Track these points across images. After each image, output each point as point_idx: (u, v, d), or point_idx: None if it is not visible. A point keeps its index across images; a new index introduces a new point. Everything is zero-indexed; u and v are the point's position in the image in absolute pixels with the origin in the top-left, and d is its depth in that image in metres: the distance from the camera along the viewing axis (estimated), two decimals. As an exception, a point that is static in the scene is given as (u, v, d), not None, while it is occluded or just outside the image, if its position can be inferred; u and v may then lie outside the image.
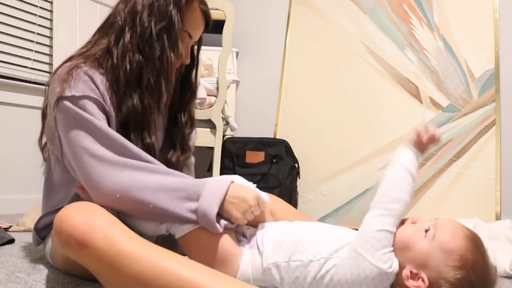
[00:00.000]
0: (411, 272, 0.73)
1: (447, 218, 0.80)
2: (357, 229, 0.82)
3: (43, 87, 2.34)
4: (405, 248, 0.74)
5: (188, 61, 1.04)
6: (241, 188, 0.89)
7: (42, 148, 1.08)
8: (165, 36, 0.95)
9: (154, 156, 0.93)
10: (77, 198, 0.94)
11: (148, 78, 0.94)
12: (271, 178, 2.09)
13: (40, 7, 2.15)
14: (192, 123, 1.14)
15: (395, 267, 0.74)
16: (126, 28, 0.96)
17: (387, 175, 0.85)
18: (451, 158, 2.02)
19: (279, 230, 0.88)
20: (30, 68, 2.12)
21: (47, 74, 2.19)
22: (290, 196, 2.09)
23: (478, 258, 0.72)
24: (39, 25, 2.14)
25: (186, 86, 1.12)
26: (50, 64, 2.19)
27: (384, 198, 0.81)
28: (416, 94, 2.14)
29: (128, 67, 0.93)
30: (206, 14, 1.03)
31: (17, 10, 2.07)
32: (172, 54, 0.95)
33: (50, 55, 2.18)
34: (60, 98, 0.91)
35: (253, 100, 2.61)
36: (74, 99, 0.90)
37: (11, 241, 1.29)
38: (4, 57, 2.02)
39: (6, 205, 2.00)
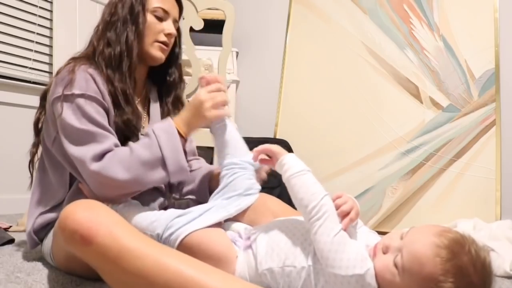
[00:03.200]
0: None
1: (416, 229, 0.72)
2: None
3: (43, 87, 2.34)
4: (388, 285, 0.70)
5: (174, 32, 1.10)
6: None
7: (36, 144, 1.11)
8: (128, 20, 1.04)
9: (134, 130, 1.01)
10: (74, 196, 0.94)
11: (115, 58, 1.02)
12: (271, 178, 2.09)
13: (40, 7, 2.15)
14: (181, 78, 1.21)
15: (368, 266, 0.71)
16: (99, 26, 1.08)
17: (298, 190, 0.86)
18: (451, 158, 2.02)
19: (272, 231, 0.87)
20: (30, 68, 2.12)
21: (47, 74, 2.19)
22: (290, 196, 2.08)
23: (461, 261, 0.66)
24: (39, 25, 2.14)
25: (171, 73, 1.19)
26: (50, 64, 2.19)
27: (310, 211, 0.79)
28: (416, 94, 2.14)
29: (101, 60, 1.02)
30: None
31: (17, 10, 2.07)
32: (132, 31, 1.03)
33: (50, 55, 2.18)
34: (58, 97, 0.96)
35: (253, 100, 2.61)
36: (72, 97, 0.95)
37: (11, 241, 1.29)
38: (4, 57, 2.02)
39: (6, 205, 2.00)
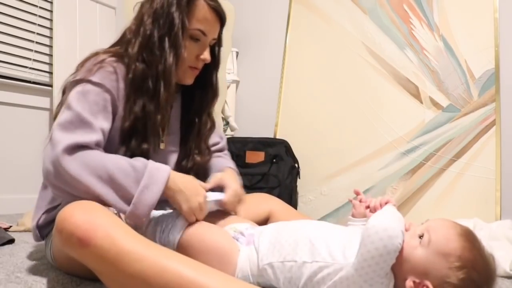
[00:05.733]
0: (414, 282, 0.72)
1: (438, 218, 0.79)
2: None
3: (43, 87, 2.36)
4: (403, 260, 0.73)
5: (209, 59, 1.04)
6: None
7: None
8: (166, 39, 0.96)
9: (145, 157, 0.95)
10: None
11: (148, 84, 0.96)
12: (271, 178, 2.09)
13: (40, 7, 2.15)
14: (213, 124, 1.14)
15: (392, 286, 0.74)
16: (133, 40, 0.99)
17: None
18: (451, 158, 2.02)
19: (275, 230, 0.88)
20: (30, 68, 2.12)
21: (47, 74, 2.19)
22: (290, 196, 2.09)
23: (476, 254, 0.72)
24: (39, 25, 2.15)
25: (206, 87, 1.11)
26: (50, 64, 2.19)
27: None
28: (416, 94, 2.14)
29: (131, 76, 0.96)
30: (216, 9, 1.02)
31: (17, 10, 2.07)
32: (171, 55, 0.96)
33: (50, 55, 2.19)
34: (75, 80, 0.94)
35: (253, 100, 2.61)
36: (86, 82, 0.92)
37: (11, 241, 1.29)
38: (4, 57, 2.02)
39: (6, 205, 2.00)
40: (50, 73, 2.18)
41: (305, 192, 2.27)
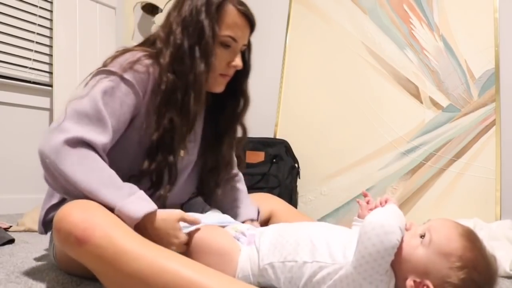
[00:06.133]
0: (414, 281, 0.72)
1: (439, 218, 0.79)
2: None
3: (43, 87, 2.36)
4: (404, 259, 0.73)
5: (240, 66, 1.01)
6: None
7: None
8: (196, 48, 0.93)
9: (175, 174, 0.94)
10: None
11: (177, 96, 0.93)
12: (271, 178, 2.09)
13: (40, 7, 2.15)
14: (245, 133, 1.11)
15: (392, 286, 0.74)
16: (164, 50, 0.95)
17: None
18: (451, 158, 2.02)
19: (276, 230, 0.88)
20: (30, 68, 2.12)
21: (47, 74, 2.19)
22: (290, 196, 2.09)
23: (477, 255, 0.72)
24: (39, 25, 2.15)
25: (238, 95, 1.09)
26: (50, 64, 2.19)
27: None
28: (416, 94, 2.14)
29: (163, 87, 0.92)
30: (245, 14, 1.00)
31: (17, 10, 2.07)
32: (202, 65, 0.93)
33: (50, 55, 2.19)
34: (106, 70, 0.91)
35: (253, 100, 2.60)
36: (120, 78, 0.89)
37: (11, 241, 1.29)
38: (4, 57, 2.02)
39: (6, 205, 2.00)
40: (50, 73, 2.18)
41: (305, 192, 2.27)
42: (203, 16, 0.94)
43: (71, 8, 2.21)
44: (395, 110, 2.16)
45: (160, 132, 0.92)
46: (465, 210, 1.94)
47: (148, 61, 0.93)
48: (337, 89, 2.30)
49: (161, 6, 2.40)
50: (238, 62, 1.00)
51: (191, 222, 0.88)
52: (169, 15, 1.00)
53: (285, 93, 2.42)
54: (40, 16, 2.14)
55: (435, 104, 2.10)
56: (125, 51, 0.96)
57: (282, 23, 2.49)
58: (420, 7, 2.19)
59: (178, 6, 0.99)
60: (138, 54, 0.94)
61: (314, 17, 2.41)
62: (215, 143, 1.10)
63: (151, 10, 2.63)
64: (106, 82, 0.89)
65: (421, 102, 2.12)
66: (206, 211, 1.07)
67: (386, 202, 0.87)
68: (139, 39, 2.70)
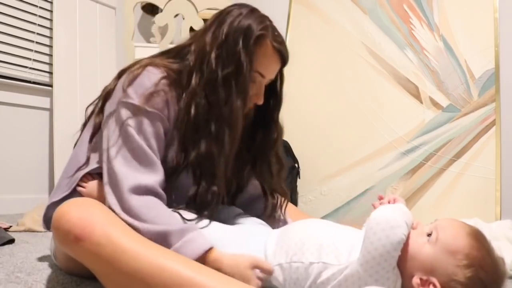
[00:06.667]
0: (421, 279, 0.72)
1: (447, 218, 0.79)
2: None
3: (43, 87, 2.36)
4: (410, 257, 0.73)
5: (261, 102, 0.97)
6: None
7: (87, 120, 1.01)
8: (232, 81, 0.89)
9: (215, 204, 0.90)
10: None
11: (211, 125, 0.89)
12: (271, 178, 2.09)
13: (40, 7, 2.15)
14: (282, 166, 1.06)
15: (399, 285, 0.73)
16: (195, 71, 0.91)
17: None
18: (451, 158, 2.02)
19: (281, 231, 0.88)
20: (30, 68, 2.12)
21: (47, 74, 2.19)
22: (290, 196, 2.08)
23: (484, 254, 0.72)
24: (39, 25, 2.15)
25: (269, 126, 1.04)
26: (50, 64, 2.19)
27: None
28: (416, 94, 2.14)
29: (193, 112, 0.89)
30: (280, 51, 0.96)
31: (17, 10, 2.07)
32: (238, 101, 0.89)
33: (50, 55, 2.19)
34: (126, 103, 0.87)
35: (253, 100, 2.61)
36: (140, 111, 0.86)
37: (11, 241, 1.29)
38: (4, 57, 2.02)
39: (6, 205, 2.00)
40: (50, 73, 2.18)
41: (305, 192, 2.27)
42: (240, 47, 0.89)
43: (71, 8, 2.21)
44: (395, 110, 2.16)
45: (197, 159, 0.89)
46: (465, 210, 1.94)
47: (165, 88, 0.90)
48: (337, 89, 2.30)
49: (161, 6, 2.40)
50: (260, 98, 0.96)
51: (266, 272, 0.80)
52: (204, 31, 0.95)
53: (285, 93, 2.41)
54: (40, 16, 2.14)
55: (435, 104, 2.10)
56: (146, 66, 0.91)
57: (282, 23, 2.49)
58: (420, 7, 2.19)
59: (215, 25, 0.94)
60: (154, 77, 0.90)
61: (314, 17, 2.41)
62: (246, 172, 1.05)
63: (151, 10, 2.64)
64: (132, 119, 0.86)
65: (421, 102, 2.13)
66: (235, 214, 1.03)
67: (394, 201, 0.87)
68: (139, 39, 2.70)
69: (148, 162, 0.85)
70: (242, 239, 0.87)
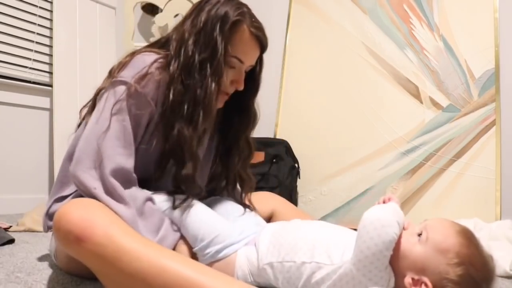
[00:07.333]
0: (412, 279, 0.73)
1: (436, 217, 0.80)
2: (355, 229, 0.81)
3: (43, 87, 2.36)
4: (402, 256, 0.74)
5: (241, 87, 1.00)
6: None
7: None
8: (207, 65, 0.92)
9: (189, 188, 0.92)
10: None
11: (186, 108, 0.91)
12: (271, 178, 2.09)
13: (40, 7, 2.15)
14: (250, 151, 1.09)
15: (392, 285, 0.74)
16: (174, 58, 0.94)
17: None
18: (451, 158, 2.02)
19: (275, 229, 0.88)
20: (30, 68, 2.12)
21: (47, 74, 2.19)
22: (290, 196, 2.09)
23: (473, 251, 0.72)
24: (39, 25, 2.15)
25: (244, 112, 1.07)
26: (50, 64, 2.19)
27: None
28: (416, 94, 2.14)
29: (171, 97, 0.91)
30: (257, 37, 0.99)
31: (17, 10, 2.07)
32: (213, 84, 0.91)
33: (50, 55, 2.19)
34: (119, 81, 0.89)
35: (253, 100, 2.61)
36: (129, 89, 0.87)
37: (11, 241, 1.29)
38: (4, 57, 2.02)
39: (6, 205, 2.00)
40: (50, 73, 2.18)
41: (305, 192, 2.27)
42: (216, 32, 0.92)
43: (71, 8, 2.21)
44: (395, 110, 2.16)
45: (170, 143, 0.91)
46: (465, 210, 1.94)
47: (158, 70, 0.92)
48: (337, 89, 2.30)
49: (161, 6, 2.40)
50: (240, 84, 0.99)
51: None
52: (184, 20, 0.98)
53: (285, 93, 2.42)
54: (40, 16, 2.14)
55: (435, 104, 2.10)
56: (135, 54, 0.94)
57: (282, 23, 2.49)
58: (420, 7, 2.19)
59: (194, 13, 0.97)
60: (149, 58, 0.92)
61: (314, 17, 2.41)
62: (223, 157, 1.08)
63: (151, 10, 2.63)
64: (121, 95, 0.88)
65: (421, 102, 2.13)
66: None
67: (389, 200, 0.87)
68: (139, 39, 2.70)
69: (128, 144, 0.87)
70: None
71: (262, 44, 1.01)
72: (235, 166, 1.08)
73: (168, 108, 0.91)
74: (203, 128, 0.93)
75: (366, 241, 0.72)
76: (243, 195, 1.09)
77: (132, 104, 0.88)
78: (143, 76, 0.89)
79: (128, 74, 0.89)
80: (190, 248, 0.88)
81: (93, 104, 0.98)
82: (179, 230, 0.90)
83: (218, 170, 1.10)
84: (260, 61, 1.06)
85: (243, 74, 0.99)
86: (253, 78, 1.05)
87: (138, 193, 0.88)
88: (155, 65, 0.92)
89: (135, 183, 0.90)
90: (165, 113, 0.92)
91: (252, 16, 1.00)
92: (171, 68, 0.92)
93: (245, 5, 1.00)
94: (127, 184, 0.87)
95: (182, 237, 0.90)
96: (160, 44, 1.01)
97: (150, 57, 0.93)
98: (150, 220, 0.86)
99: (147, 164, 0.95)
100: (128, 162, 0.88)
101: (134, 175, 0.90)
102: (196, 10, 0.97)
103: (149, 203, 0.89)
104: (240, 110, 1.07)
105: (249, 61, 0.99)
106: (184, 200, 0.90)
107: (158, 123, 0.93)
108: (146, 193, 0.91)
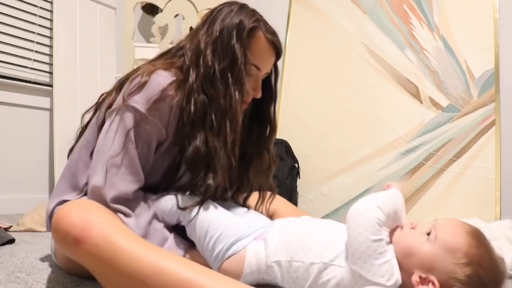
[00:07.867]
0: (420, 277, 0.73)
1: (446, 217, 0.80)
2: None
3: (43, 87, 2.36)
4: (410, 255, 0.74)
5: (259, 95, 0.99)
6: None
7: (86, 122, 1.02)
8: (229, 74, 0.91)
9: (214, 198, 0.91)
10: None
11: (211, 119, 0.90)
12: (271, 178, 2.09)
13: (40, 7, 2.15)
14: (274, 161, 1.07)
15: (396, 279, 0.73)
16: (191, 68, 0.92)
17: None
18: (451, 158, 2.02)
19: (284, 226, 0.88)
20: (30, 68, 2.12)
21: (47, 74, 2.20)
22: (290, 196, 2.08)
23: (483, 252, 0.72)
24: (39, 25, 2.15)
25: (263, 122, 1.05)
26: (50, 64, 2.19)
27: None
28: (416, 94, 2.14)
29: (192, 108, 0.89)
30: (273, 43, 0.99)
31: (17, 10, 2.07)
32: (236, 93, 0.91)
33: (50, 55, 2.19)
34: (132, 107, 0.87)
35: (253, 100, 2.61)
36: (141, 117, 0.86)
37: (11, 241, 1.29)
38: (4, 57, 2.03)
39: (6, 205, 2.00)
40: (50, 73, 2.18)
41: (305, 192, 2.27)
42: (234, 40, 0.92)
43: (71, 8, 2.21)
44: (395, 110, 2.16)
45: (191, 153, 0.89)
46: (465, 210, 1.94)
47: (173, 92, 0.90)
48: (337, 89, 2.30)
49: (161, 6, 2.40)
50: (258, 91, 0.98)
51: None
52: (197, 30, 0.97)
53: (285, 93, 2.42)
54: (40, 16, 2.14)
55: (435, 104, 2.10)
56: (152, 73, 0.90)
57: (282, 23, 2.49)
58: (420, 7, 2.19)
59: (207, 23, 0.96)
60: (164, 81, 0.89)
61: (314, 17, 2.41)
62: (241, 168, 1.06)
63: (151, 10, 2.63)
64: (131, 127, 0.86)
65: (421, 102, 2.13)
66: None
67: (388, 187, 0.87)
68: (139, 39, 2.70)
69: (133, 173, 0.87)
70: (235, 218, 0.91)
71: (277, 50, 1.02)
72: (250, 177, 1.06)
73: (188, 120, 0.90)
74: (231, 138, 0.91)
75: (352, 234, 0.74)
76: (268, 205, 1.09)
77: (142, 131, 0.87)
78: (157, 101, 0.87)
79: (141, 100, 0.87)
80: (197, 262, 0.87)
81: (95, 110, 0.98)
82: (183, 248, 0.89)
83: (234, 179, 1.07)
84: (275, 68, 1.05)
85: (260, 81, 0.99)
86: (269, 86, 1.04)
87: (143, 212, 0.88)
88: (170, 86, 0.90)
89: (140, 198, 0.90)
90: (184, 126, 0.90)
91: (266, 23, 1.00)
92: (190, 79, 0.91)
93: (258, 13, 1.01)
94: (131, 205, 0.87)
95: (188, 253, 0.89)
96: (172, 54, 1.00)
97: (165, 79, 0.90)
98: (152, 239, 0.86)
99: (155, 175, 0.95)
100: (134, 187, 0.88)
101: (140, 191, 0.89)
102: (208, 20, 0.96)
103: (154, 222, 0.89)
104: (260, 120, 1.06)
105: (266, 68, 0.99)
106: (198, 203, 0.89)
107: (170, 142, 0.92)
108: (150, 211, 0.90)
